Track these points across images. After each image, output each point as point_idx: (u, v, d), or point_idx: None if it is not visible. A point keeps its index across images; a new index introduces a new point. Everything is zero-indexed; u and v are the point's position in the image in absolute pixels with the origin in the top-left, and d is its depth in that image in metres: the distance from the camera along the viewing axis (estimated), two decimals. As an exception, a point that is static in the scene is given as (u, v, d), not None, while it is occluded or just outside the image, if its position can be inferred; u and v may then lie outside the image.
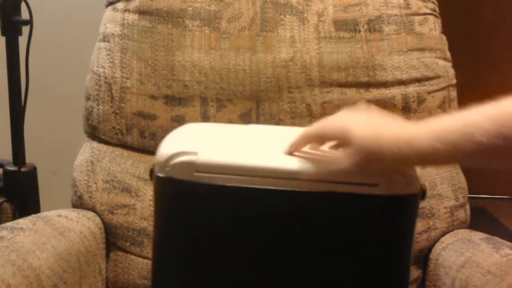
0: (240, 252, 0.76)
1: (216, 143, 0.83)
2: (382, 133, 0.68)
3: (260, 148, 0.82)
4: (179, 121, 1.09)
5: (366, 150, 0.69)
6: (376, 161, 0.69)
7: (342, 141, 0.73)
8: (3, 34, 1.20)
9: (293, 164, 0.75)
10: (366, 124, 0.71)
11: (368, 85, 1.09)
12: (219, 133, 0.92)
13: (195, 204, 0.76)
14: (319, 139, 0.77)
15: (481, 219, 2.73)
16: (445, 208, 1.08)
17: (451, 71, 1.14)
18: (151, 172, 0.80)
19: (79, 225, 1.03)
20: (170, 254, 0.79)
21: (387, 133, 0.68)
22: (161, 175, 0.76)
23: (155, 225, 0.81)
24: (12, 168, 1.24)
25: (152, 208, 1.07)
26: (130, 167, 1.10)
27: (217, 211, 0.75)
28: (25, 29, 1.21)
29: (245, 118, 1.09)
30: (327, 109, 1.08)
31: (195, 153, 0.75)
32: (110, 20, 1.14)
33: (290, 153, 0.78)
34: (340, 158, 0.72)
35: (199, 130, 0.93)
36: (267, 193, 0.73)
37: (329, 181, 0.73)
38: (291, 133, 0.81)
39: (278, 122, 1.09)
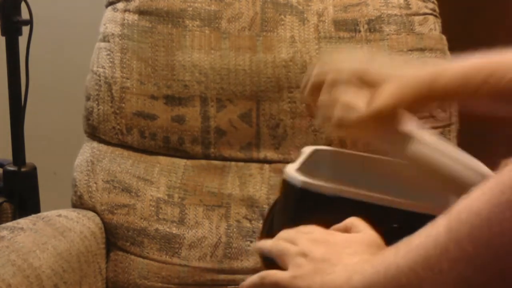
0: None
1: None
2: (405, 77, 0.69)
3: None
4: (179, 121, 1.09)
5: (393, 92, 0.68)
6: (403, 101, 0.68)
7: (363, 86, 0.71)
8: (3, 34, 1.20)
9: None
10: (387, 67, 0.72)
11: (368, 85, 1.09)
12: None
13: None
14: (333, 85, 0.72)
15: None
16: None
17: (451, 71, 1.14)
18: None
19: (79, 225, 1.03)
20: None
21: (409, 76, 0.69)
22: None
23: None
24: (12, 168, 1.24)
25: (152, 208, 1.07)
26: (130, 167, 1.10)
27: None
28: (25, 29, 1.21)
29: (245, 118, 1.09)
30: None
31: None
32: (110, 20, 1.14)
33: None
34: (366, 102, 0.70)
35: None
36: None
37: None
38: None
39: (278, 122, 1.09)
